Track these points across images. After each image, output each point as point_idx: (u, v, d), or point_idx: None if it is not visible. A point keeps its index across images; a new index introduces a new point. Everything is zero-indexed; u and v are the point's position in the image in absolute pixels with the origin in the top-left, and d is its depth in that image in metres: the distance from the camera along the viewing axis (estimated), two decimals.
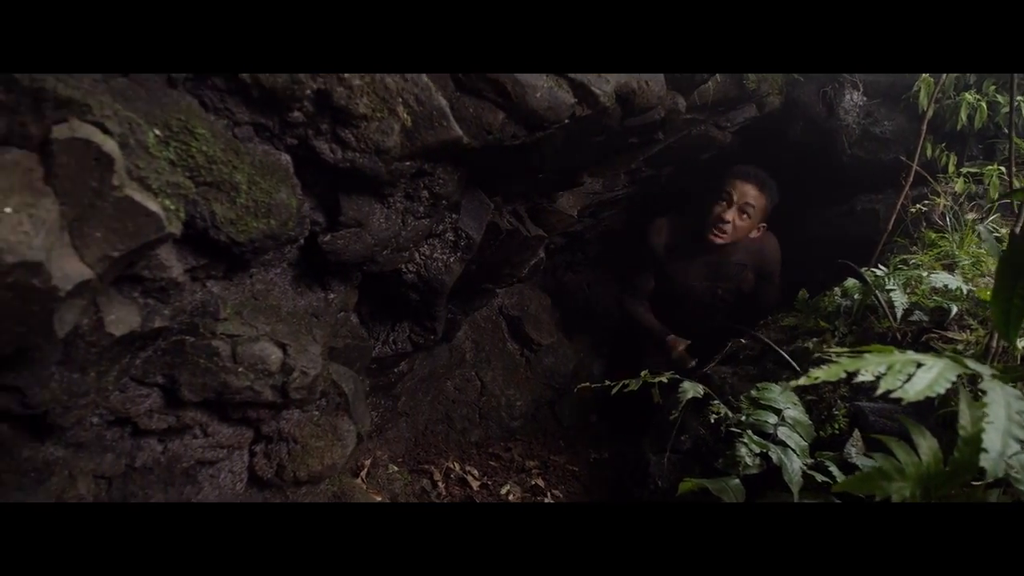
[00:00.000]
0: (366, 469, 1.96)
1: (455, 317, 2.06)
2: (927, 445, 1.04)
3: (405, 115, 1.06)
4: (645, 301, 2.72)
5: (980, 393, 0.90)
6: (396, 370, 1.94)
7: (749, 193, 2.29)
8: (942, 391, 0.88)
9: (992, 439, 0.85)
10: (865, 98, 2.47)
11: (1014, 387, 1.22)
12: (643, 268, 2.66)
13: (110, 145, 0.80)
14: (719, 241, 2.36)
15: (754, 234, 2.43)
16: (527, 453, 2.43)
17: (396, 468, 2.08)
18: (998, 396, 0.89)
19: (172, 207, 0.90)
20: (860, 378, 0.91)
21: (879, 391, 0.87)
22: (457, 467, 2.18)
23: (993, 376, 0.93)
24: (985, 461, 0.83)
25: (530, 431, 2.66)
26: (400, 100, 1.05)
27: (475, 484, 2.10)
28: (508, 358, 2.76)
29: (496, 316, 2.79)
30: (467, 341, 2.61)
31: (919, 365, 0.91)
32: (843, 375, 0.91)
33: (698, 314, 2.68)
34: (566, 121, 1.21)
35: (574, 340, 3.08)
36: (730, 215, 2.30)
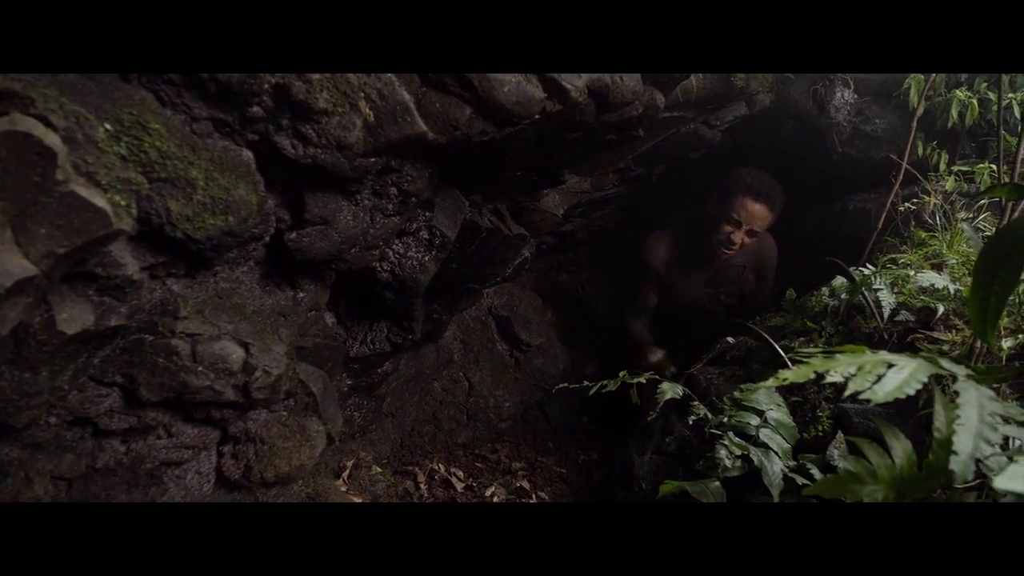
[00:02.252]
0: (348, 470, 1.94)
1: (440, 317, 2.04)
2: (901, 448, 1.02)
3: (367, 110, 1.04)
4: (643, 317, 2.70)
5: (955, 394, 0.88)
6: (379, 370, 1.92)
7: (757, 215, 2.25)
8: (912, 392, 0.85)
9: (963, 441, 0.83)
10: (856, 96, 2.44)
11: (995, 388, 1.19)
12: (644, 286, 2.65)
13: (52, 139, 0.78)
14: (726, 256, 2.36)
15: None
16: (514, 455, 2.40)
17: (380, 469, 2.06)
18: (971, 397, 0.86)
19: (123, 203, 0.88)
20: (829, 379, 0.89)
21: (847, 392, 0.85)
22: (442, 468, 2.16)
23: (968, 376, 0.90)
24: (955, 464, 0.81)
25: (518, 432, 2.64)
26: (362, 95, 1.03)
27: (460, 486, 2.08)
28: (497, 359, 2.73)
29: (485, 316, 2.77)
30: (455, 341, 2.59)
31: (890, 366, 0.89)
32: (812, 376, 0.88)
33: (702, 322, 2.66)
34: (537, 116, 1.19)
35: (566, 341, 3.05)
36: (738, 237, 2.29)
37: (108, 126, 0.87)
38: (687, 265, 2.53)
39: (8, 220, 0.77)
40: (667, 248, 2.55)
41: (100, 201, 0.83)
